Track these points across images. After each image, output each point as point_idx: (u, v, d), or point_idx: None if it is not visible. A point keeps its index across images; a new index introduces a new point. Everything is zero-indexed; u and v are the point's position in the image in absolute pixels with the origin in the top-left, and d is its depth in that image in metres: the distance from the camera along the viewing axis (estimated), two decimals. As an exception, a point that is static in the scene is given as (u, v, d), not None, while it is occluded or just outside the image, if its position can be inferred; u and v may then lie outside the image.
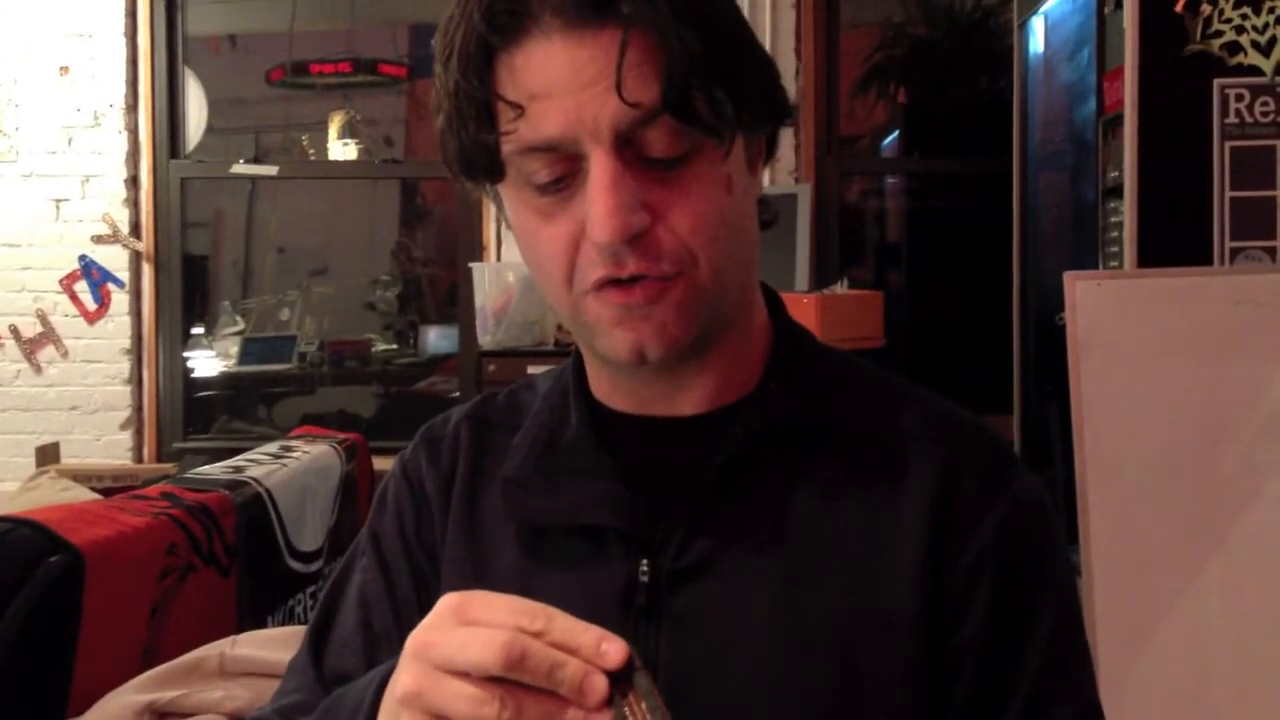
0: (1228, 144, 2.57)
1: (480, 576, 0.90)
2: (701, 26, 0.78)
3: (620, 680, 0.65)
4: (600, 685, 0.64)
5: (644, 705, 0.65)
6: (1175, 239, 2.59)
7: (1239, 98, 2.57)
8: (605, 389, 0.93)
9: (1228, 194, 2.57)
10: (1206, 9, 2.57)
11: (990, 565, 0.84)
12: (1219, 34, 2.57)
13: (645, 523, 0.86)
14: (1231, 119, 2.57)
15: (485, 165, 0.82)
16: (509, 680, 0.64)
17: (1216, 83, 2.58)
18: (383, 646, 0.92)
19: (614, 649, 0.65)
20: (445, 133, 0.83)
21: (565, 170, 0.80)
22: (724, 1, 0.83)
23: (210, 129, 4.84)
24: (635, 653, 0.66)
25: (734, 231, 0.84)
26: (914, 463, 0.87)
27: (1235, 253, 2.57)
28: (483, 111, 0.80)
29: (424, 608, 0.92)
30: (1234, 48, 2.57)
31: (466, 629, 0.66)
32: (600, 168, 0.78)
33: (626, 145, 0.78)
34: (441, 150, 0.85)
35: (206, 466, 2.68)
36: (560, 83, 0.77)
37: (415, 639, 0.68)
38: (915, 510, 0.85)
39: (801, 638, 0.83)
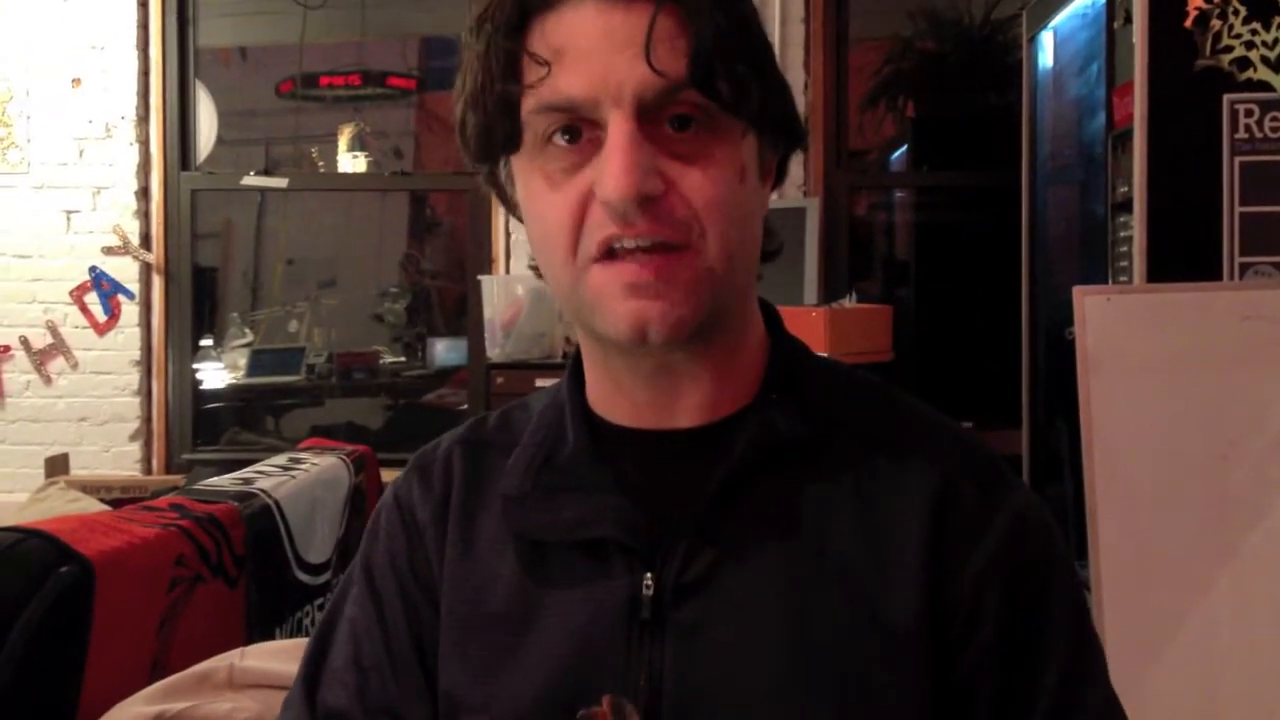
0: (1237, 159, 2.57)
1: (481, 596, 0.91)
2: (733, 12, 0.80)
3: None
4: None
5: None
6: (1184, 254, 2.59)
7: (1248, 113, 2.57)
8: (602, 400, 0.93)
9: (1237, 209, 2.57)
10: (1216, 24, 2.57)
11: (997, 577, 0.84)
12: (1229, 49, 2.57)
13: (647, 536, 0.86)
14: (1241, 134, 2.57)
15: (505, 130, 0.83)
16: None
17: (1226, 98, 2.58)
18: (372, 680, 0.93)
19: None
20: (467, 109, 0.85)
21: (585, 134, 0.81)
22: (750, 5, 0.86)
23: (220, 141, 4.86)
24: None
25: (742, 219, 0.84)
26: (912, 475, 0.87)
27: (1244, 268, 2.57)
28: (510, 68, 0.81)
29: (416, 637, 0.93)
30: (1243, 63, 2.58)
31: None
32: (618, 129, 0.79)
33: (646, 115, 0.79)
34: (459, 133, 0.86)
35: (215, 478, 2.68)
36: (590, 44, 0.79)
37: None
38: (915, 523, 0.85)
39: (804, 650, 0.83)
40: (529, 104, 0.81)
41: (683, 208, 0.80)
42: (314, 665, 0.96)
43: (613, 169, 0.78)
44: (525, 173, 0.85)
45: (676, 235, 0.80)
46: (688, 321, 0.82)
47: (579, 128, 0.80)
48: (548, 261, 0.85)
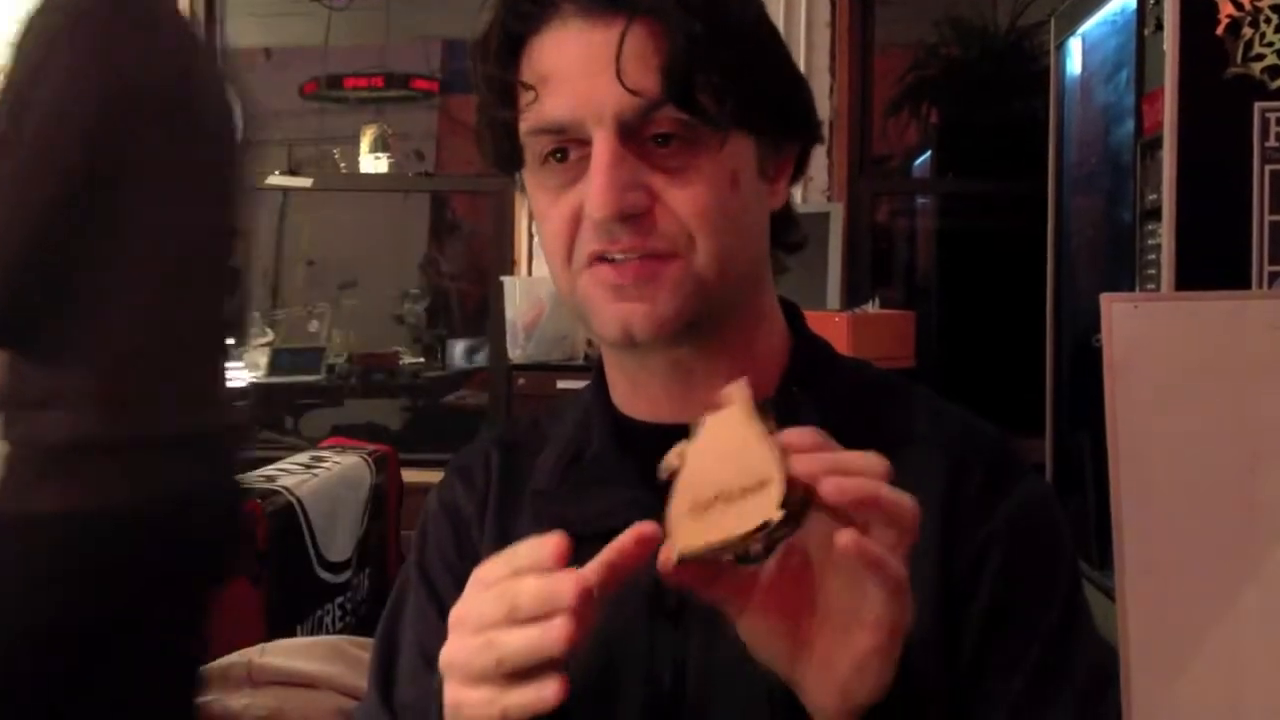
0: (1268, 168, 2.55)
1: None
2: (709, 19, 0.82)
3: None
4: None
5: None
6: (1214, 262, 2.56)
7: (1279, 121, 2.55)
8: (624, 397, 0.95)
9: (1267, 218, 2.55)
10: (1248, 32, 2.55)
11: (997, 548, 0.87)
12: (1260, 57, 2.55)
13: None
14: (1272, 142, 2.55)
15: (508, 150, 0.89)
16: None
17: (1257, 106, 2.55)
18: None
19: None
20: (481, 125, 0.90)
21: (574, 153, 0.85)
22: (749, 6, 0.88)
23: (244, 141, 4.86)
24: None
25: (736, 225, 0.87)
26: (925, 464, 0.88)
27: (1274, 276, 2.54)
28: (505, 94, 0.87)
29: None
30: (1275, 71, 2.55)
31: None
32: (601, 147, 0.82)
33: (630, 132, 0.83)
34: (478, 145, 0.92)
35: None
36: (571, 67, 0.83)
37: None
38: (927, 511, 0.85)
39: None
40: (523, 127, 0.86)
41: (669, 220, 0.84)
42: (384, 670, 0.98)
43: (595, 189, 0.82)
44: (531, 186, 0.91)
45: (662, 246, 0.84)
46: (670, 321, 0.85)
47: (569, 147, 0.85)
48: (550, 266, 0.90)
